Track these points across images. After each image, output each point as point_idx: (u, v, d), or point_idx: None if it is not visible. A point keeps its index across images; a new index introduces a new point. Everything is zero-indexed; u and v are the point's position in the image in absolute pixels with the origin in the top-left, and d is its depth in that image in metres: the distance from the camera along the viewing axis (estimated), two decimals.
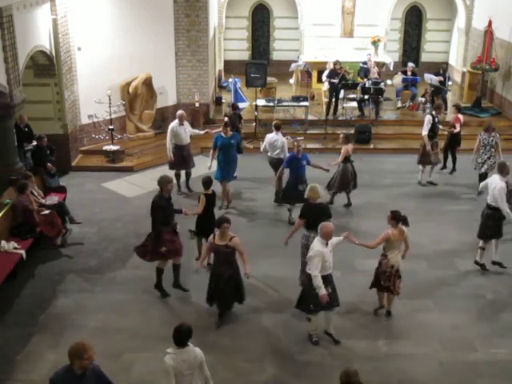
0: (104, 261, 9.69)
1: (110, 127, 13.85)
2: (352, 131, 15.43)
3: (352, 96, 16.75)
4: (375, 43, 19.33)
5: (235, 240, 7.72)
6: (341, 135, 11.79)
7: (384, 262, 7.97)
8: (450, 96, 17.50)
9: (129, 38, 14.26)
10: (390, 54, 20.06)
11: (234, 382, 7.01)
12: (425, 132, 12.38)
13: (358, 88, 16.33)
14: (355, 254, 9.12)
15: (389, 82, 17.61)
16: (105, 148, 13.85)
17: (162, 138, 14.99)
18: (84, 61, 13.68)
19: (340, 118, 16.43)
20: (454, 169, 13.41)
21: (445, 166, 13.51)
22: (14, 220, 9.65)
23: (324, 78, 16.69)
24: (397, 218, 7.87)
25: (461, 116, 13.40)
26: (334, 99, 16.25)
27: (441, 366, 7.24)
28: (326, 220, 8.11)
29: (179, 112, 12.18)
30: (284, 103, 16.01)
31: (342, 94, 16.49)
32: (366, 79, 16.49)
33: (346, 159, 11.47)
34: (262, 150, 12.20)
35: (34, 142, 11.74)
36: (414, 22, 21.55)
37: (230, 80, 16.15)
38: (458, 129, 13.15)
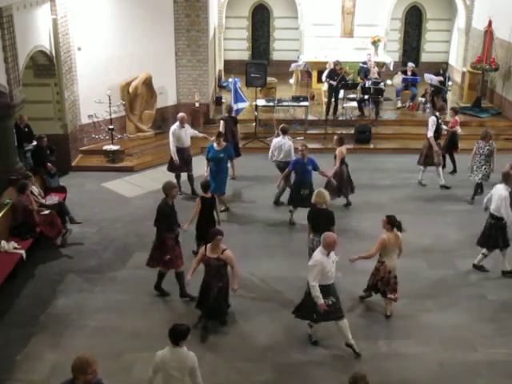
0: (104, 261, 9.69)
1: (110, 127, 13.85)
2: (352, 131, 15.47)
3: (352, 96, 16.75)
4: (375, 43, 19.33)
5: (227, 253, 7.57)
6: (335, 137, 11.65)
7: (381, 268, 7.99)
8: (450, 96, 17.51)
9: (129, 38, 14.25)
10: (390, 54, 20.06)
11: (234, 382, 7.01)
12: (430, 133, 12.28)
13: (358, 88, 16.33)
14: (355, 254, 9.10)
15: (389, 82, 17.61)
16: (105, 148, 13.85)
17: (162, 138, 15.04)
18: (84, 61, 13.68)
19: (340, 118, 16.43)
20: (454, 170, 13.40)
21: (444, 166, 13.50)
22: (14, 220, 9.65)
23: (324, 78, 16.69)
24: (392, 223, 7.88)
25: (458, 118, 13.44)
26: (333, 99, 16.26)
27: (441, 366, 7.24)
28: (329, 226, 8.21)
29: (180, 114, 12.13)
30: (284, 103, 16.01)
31: (341, 94, 16.51)
32: (365, 79, 16.49)
33: (341, 162, 11.38)
34: (269, 156, 12.13)
35: (34, 142, 11.74)
36: (413, 22, 21.54)
37: (230, 80, 16.15)
38: (459, 130, 13.18)
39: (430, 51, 21.52)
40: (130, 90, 14.47)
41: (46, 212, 9.98)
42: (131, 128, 14.98)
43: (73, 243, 10.21)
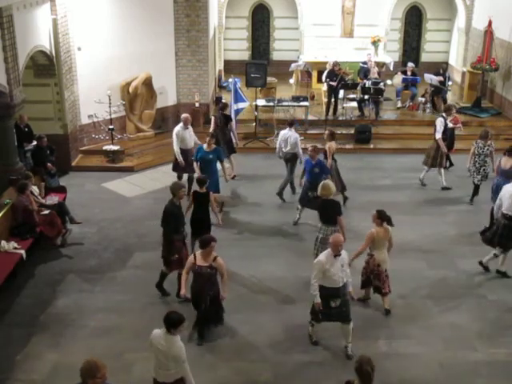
0: (104, 261, 9.69)
1: (110, 127, 13.85)
2: (352, 131, 15.47)
3: (352, 96, 16.75)
4: (375, 43, 19.33)
5: (219, 260, 7.32)
6: (326, 131, 11.68)
7: (371, 260, 8.06)
8: (450, 96, 17.51)
9: (129, 38, 14.25)
10: (390, 54, 20.06)
11: (234, 382, 7.01)
12: (439, 135, 12.15)
13: (358, 88, 16.33)
14: None
15: (389, 82, 17.60)
16: (105, 148, 13.85)
17: (162, 138, 15.06)
18: (84, 61, 13.67)
19: (340, 118, 16.43)
20: (451, 164, 13.36)
21: (446, 166, 13.48)
22: (14, 220, 9.65)
23: (323, 78, 16.70)
24: (382, 217, 7.96)
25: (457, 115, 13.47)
26: (333, 99, 16.27)
27: (441, 366, 7.25)
28: (336, 215, 8.58)
29: (184, 115, 12.02)
30: (284, 103, 16.00)
31: (341, 94, 16.51)
32: (365, 79, 16.49)
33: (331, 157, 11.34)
34: (277, 149, 12.18)
35: (34, 142, 11.74)
36: (413, 22, 21.53)
37: (230, 80, 16.13)
38: (462, 128, 13.18)
39: (429, 51, 21.52)
40: (130, 90, 14.47)
41: (46, 212, 9.97)
42: (131, 128, 14.98)
43: (73, 243, 10.21)
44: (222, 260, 7.37)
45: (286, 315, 8.20)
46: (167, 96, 15.65)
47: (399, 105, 17.40)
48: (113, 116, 13.90)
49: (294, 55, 20.09)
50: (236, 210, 11.60)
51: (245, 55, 21.39)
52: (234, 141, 13.33)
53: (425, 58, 21.57)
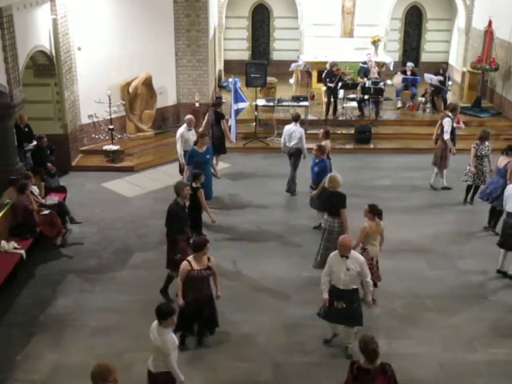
0: (104, 261, 9.68)
1: (110, 127, 13.85)
2: (352, 131, 15.47)
3: (352, 96, 16.75)
4: (375, 43, 19.33)
5: (213, 260, 7.21)
6: (321, 130, 11.66)
7: (364, 254, 8.02)
8: (450, 96, 17.50)
9: (129, 38, 14.25)
10: (389, 54, 20.05)
11: (234, 382, 7.00)
12: (447, 136, 12.05)
13: (358, 88, 16.34)
14: None
15: (389, 81, 17.60)
16: (105, 148, 13.85)
17: (162, 138, 15.08)
18: (84, 61, 13.68)
19: (340, 118, 16.43)
20: None
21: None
22: (14, 220, 9.65)
23: (323, 79, 16.71)
24: (374, 212, 8.08)
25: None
26: (332, 100, 16.27)
27: (441, 366, 7.25)
28: (340, 208, 8.78)
29: (188, 117, 11.97)
30: (284, 103, 16.00)
31: (341, 94, 16.51)
32: (366, 79, 16.49)
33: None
34: (282, 144, 12.22)
35: (34, 142, 11.75)
36: (413, 22, 21.53)
37: (230, 80, 16.14)
38: (463, 127, 13.16)
39: (429, 51, 21.51)
40: (130, 89, 14.47)
41: (46, 212, 9.97)
42: (131, 128, 14.98)
43: (73, 243, 10.21)
44: (213, 258, 7.34)
45: (285, 315, 8.20)
46: (167, 96, 15.65)
47: (399, 105, 17.39)
48: (113, 116, 13.90)
49: (294, 55, 20.09)
50: (235, 210, 11.59)
51: (245, 55, 21.39)
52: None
53: (425, 57, 21.56)
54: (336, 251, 7.23)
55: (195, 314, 7.24)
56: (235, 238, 10.45)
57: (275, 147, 14.56)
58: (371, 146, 15.25)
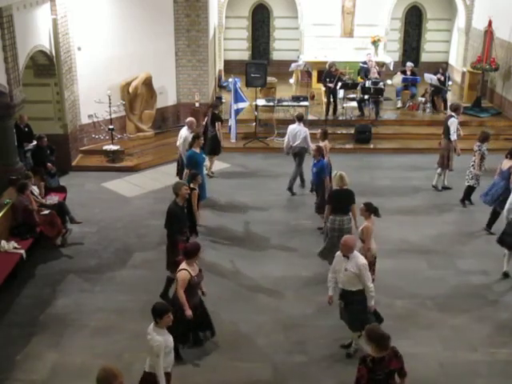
0: (104, 261, 9.69)
1: (110, 127, 13.85)
2: (352, 131, 15.47)
3: (352, 96, 16.75)
4: (375, 43, 19.33)
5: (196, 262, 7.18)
6: (319, 130, 11.68)
7: (368, 254, 7.93)
8: (450, 96, 17.50)
9: (129, 38, 14.25)
10: (389, 54, 20.05)
11: (234, 381, 7.01)
12: (455, 137, 11.97)
13: (358, 88, 16.34)
14: None
15: (389, 81, 17.60)
16: (105, 148, 13.85)
17: (162, 138, 15.08)
18: (84, 61, 13.68)
19: (340, 118, 16.44)
20: None
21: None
22: (14, 220, 9.65)
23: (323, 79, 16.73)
24: (370, 210, 8.05)
25: None
26: (332, 100, 16.28)
27: (441, 366, 7.25)
28: (350, 204, 8.82)
29: (189, 119, 12.05)
30: (284, 103, 16.00)
31: (341, 93, 16.52)
32: (366, 79, 16.49)
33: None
34: (285, 145, 12.25)
35: (34, 142, 11.74)
36: (413, 22, 21.53)
37: (230, 80, 16.14)
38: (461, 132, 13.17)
39: (429, 51, 21.51)
40: (130, 89, 14.47)
41: (46, 212, 9.98)
42: (131, 128, 14.98)
43: (73, 243, 10.21)
44: None
45: (285, 315, 8.20)
46: (167, 96, 15.65)
47: (399, 105, 17.39)
48: (113, 116, 13.90)
49: (294, 55, 20.09)
50: (235, 210, 11.59)
51: (245, 55, 21.39)
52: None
53: (425, 57, 21.57)
54: (338, 252, 7.21)
55: (193, 321, 7.10)
56: (235, 238, 10.45)
57: (275, 147, 14.58)
58: (371, 146, 15.24)
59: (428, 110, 16.87)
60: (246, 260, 9.66)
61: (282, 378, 7.07)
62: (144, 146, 14.72)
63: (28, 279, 9.10)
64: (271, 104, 15.86)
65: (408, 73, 17.32)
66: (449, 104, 16.51)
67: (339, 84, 15.96)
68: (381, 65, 18.33)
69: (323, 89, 17.02)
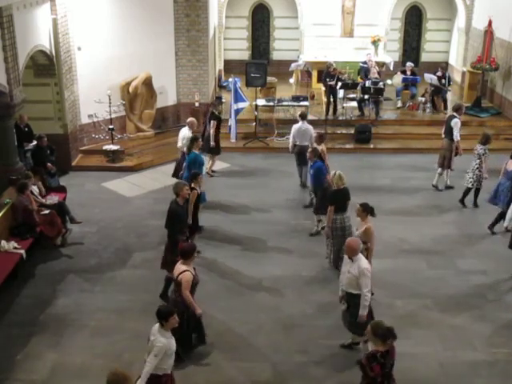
0: (104, 261, 9.69)
1: (110, 127, 13.85)
2: (352, 131, 15.47)
3: (352, 96, 16.75)
4: (375, 43, 19.33)
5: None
6: (314, 134, 11.66)
7: (369, 255, 7.95)
8: (450, 96, 17.50)
9: (129, 38, 14.25)
10: (389, 54, 20.05)
11: (234, 382, 7.01)
12: (459, 137, 11.92)
13: (358, 88, 16.34)
14: None
15: (389, 81, 17.60)
16: (105, 148, 13.84)
17: (162, 138, 15.08)
18: (84, 61, 13.67)
19: (340, 118, 16.44)
20: None
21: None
22: (14, 220, 9.65)
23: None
24: (367, 210, 8.09)
25: None
26: (332, 99, 16.28)
27: (441, 366, 7.25)
28: (347, 202, 8.91)
29: (190, 119, 12.09)
30: (284, 103, 16.01)
31: (341, 93, 16.52)
32: (366, 79, 16.49)
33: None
34: (290, 144, 12.25)
35: (34, 142, 11.74)
36: (413, 22, 21.52)
37: (230, 80, 16.14)
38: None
39: (429, 51, 21.51)
40: (130, 89, 14.47)
41: (46, 212, 9.98)
42: (131, 128, 14.98)
43: (73, 243, 10.21)
44: None
45: (285, 315, 8.20)
46: (167, 96, 15.65)
47: (399, 105, 17.38)
48: (113, 116, 13.90)
49: (293, 55, 20.09)
50: (235, 210, 11.59)
51: (245, 55, 21.39)
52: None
53: (425, 57, 21.56)
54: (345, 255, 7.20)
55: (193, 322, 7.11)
56: (235, 238, 10.45)
57: (275, 147, 14.58)
58: (371, 146, 15.24)
59: (428, 110, 16.86)
60: (246, 260, 9.67)
61: (281, 378, 7.07)
62: (144, 145, 14.71)
63: (28, 279, 9.10)
64: (271, 104, 15.87)
65: (408, 73, 17.32)
66: (449, 104, 16.58)
67: (339, 83, 15.96)
68: (381, 65, 18.32)
69: (323, 89, 17.03)
